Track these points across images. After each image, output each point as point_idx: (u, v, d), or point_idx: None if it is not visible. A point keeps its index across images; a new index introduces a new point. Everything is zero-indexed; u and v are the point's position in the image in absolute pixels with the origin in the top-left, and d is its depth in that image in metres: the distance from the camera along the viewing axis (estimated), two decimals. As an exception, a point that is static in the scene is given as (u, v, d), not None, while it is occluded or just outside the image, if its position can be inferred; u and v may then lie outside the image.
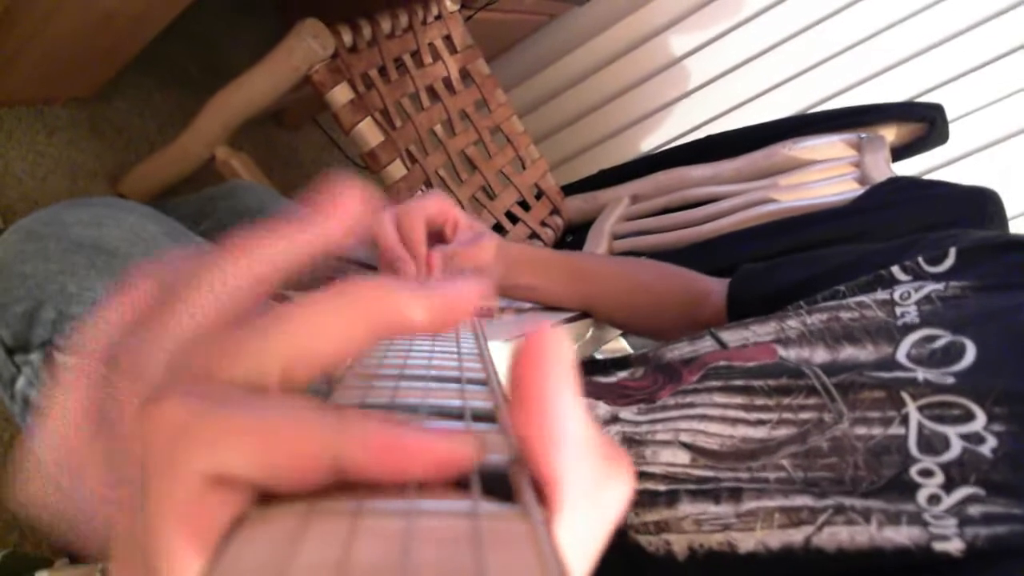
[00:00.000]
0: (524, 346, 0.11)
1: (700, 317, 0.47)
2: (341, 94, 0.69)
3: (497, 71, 0.95)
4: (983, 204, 0.58)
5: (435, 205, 0.42)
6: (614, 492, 0.12)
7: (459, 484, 0.11)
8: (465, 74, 0.90)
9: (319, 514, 0.10)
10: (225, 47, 1.09)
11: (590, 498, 0.11)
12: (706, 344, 0.40)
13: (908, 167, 1.05)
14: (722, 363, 0.36)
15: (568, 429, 0.11)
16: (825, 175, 0.82)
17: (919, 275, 0.34)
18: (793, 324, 0.36)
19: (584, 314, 0.49)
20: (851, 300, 0.35)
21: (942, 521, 0.25)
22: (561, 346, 0.11)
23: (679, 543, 0.30)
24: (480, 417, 0.14)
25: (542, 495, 0.11)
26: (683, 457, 0.32)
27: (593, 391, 0.39)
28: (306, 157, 1.22)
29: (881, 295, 0.34)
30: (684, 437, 0.33)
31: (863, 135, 0.84)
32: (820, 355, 0.33)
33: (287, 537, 0.09)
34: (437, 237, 0.43)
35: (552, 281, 0.47)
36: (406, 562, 0.08)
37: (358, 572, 0.08)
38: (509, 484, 0.11)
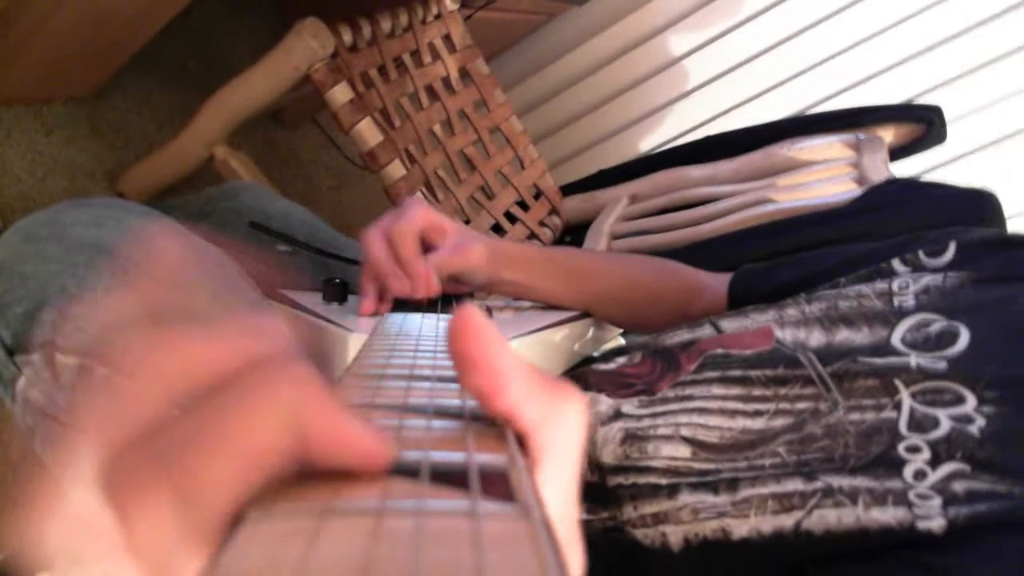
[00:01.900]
0: (453, 326, 0.13)
1: (693, 311, 0.47)
2: (341, 93, 0.69)
3: (496, 71, 0.95)
4: (981, 205, 0.59)
5: (422, 217, 0.42)
6: (571, 412, 0.14)
7: (459, 484, 0.11)
8: (464, 74, 0.90)
9: (324, 514, 0.10)
10: (224, 46, 1.09)
11: (552, 421, 0.13)
12: (705, 331, 0.40)
13: (906, 167, 1.05)
14: (719, 351, 0.36)
15: (509, 368, 0.13)
16: (823, 176, 0.82)
17: (918, 267, 0.35)
18: (792, 312, 0.37)
19: (585, 313, 0.49)
20: (850, 290, 0.35)
21: (927, 502, 0.26)
22: (482, 317, 0.13)
23: (675, 534, 0.31)
24: (479, 417, 0.15)
25: (521, 442, 0.13)
26: (684, 451, 0.33)
27: (595, 380, 0.40)
28: (305, 156, 1.22)
29: (880, 286, 0.35)
30: (684, 431, 0.33)
31: (861, 136, 0.84)
32: (816, 338, 0.34)
33: (295, 536, 0.09)
34: (427, 245, 0.43)
35: (540, 278, 0.47)
36: (415, 563, 0.08)
37: (369, 572, 0.08)
38: (509, 484, 0.11)
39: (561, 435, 0.14)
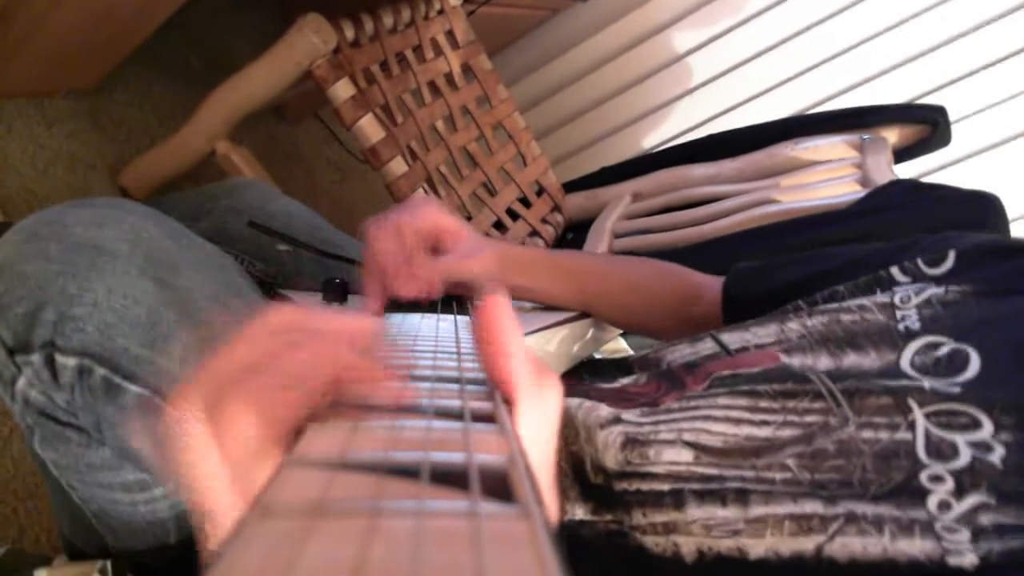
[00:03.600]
0: (483, 310, 0.18)
1: (693, 314, 0.47)
2: (343, 89, 0.69)
3: (499, 66, 0.95)
4: (985, 208, 0.59)
5: (434, 217, 0.41)
6: (549, 392, 0.18)
7: (459, 484, 0.11)
8: (467, 69, 0.90)
9: (324, 514, 0.10)
10: (226, 40, 1.08)
11: (534, 395, 0.18)
12: (707, 346, 0.39)
13: (910, 169, 1.04)
14: (727, 372, 0.36)
15: (513, 348, 0.17)
16: (827, 176, 0.82)
17: (918, 277, 0.34)
18: (794, 327, 0.36)
19: (584, 314, 0.49)
20: (851, 303, 0.35)
21: (955, 535, 0.25)
22: (505, 308, 0.18)
23: (688, 545, 0.30)
24: (480, 417, 0.15)
25: (506, 401, 0.17)
26: (686, 455, 0.32)
27: (596, 396, 0.39)
28: (307, 151, 1.21)
29: (881, 298, 0.34)
30: (687, 436, 0.33)
31: (865, 136, 0.84)
32: (824, 362, 0.33)
33: (295, 536, 0.09)
34: (436, 247, 0.43)
35: (543, 281, 0.47)
36: (415, 563, 0.08)
37: (369, 572, 0.08)
38: (509, 484, 0.11)
39: (541, 404, 0.18)
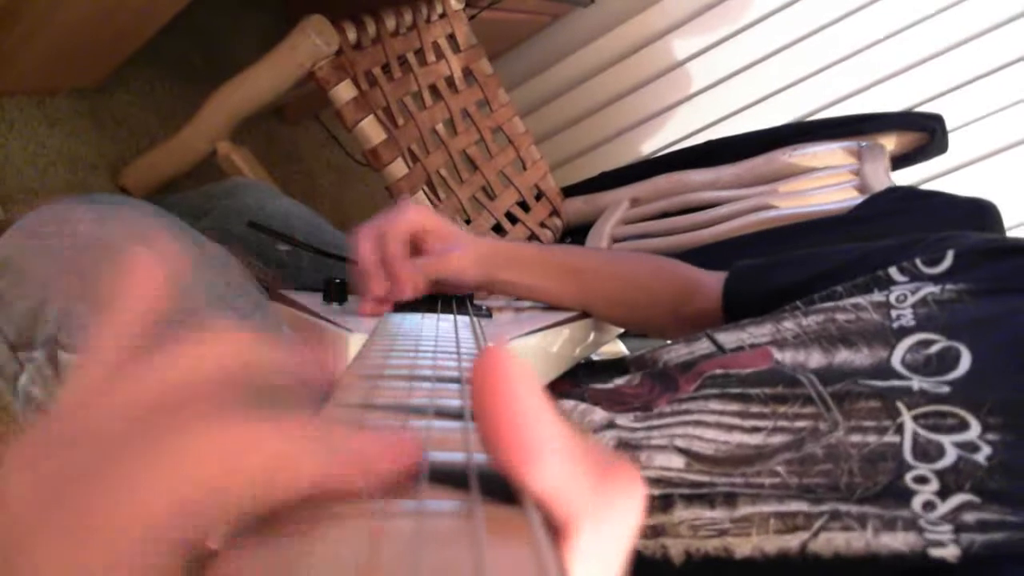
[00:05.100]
0: (476, 371, 0.10)
1: (688, 309, 0.47)
2: (344, 91, 0.69)
3: (500, 71, 0.95)
4: (981, 215, 0.59)
5: (414, 219, 0.42)
6: (623, 500, 0.11)
7: (459, 484, 0.11)
8: (468, 73, 0.90)
9: (327, 517, 0.10)
10: (229, 41, 1.09)
11: (599, 512, 0.10)
12: (702, 346, 0.40)
13: (907, 176, 1.05)
14: (719, 371, 0.36)
15: (547, 438, 0.10)
16: (824, 183, 0.82)
17: (916, 276, 0.34)
18: (789, 326, 0.36)
19: (584, 314, 0.49)
20: (847, 302, 0.35)
21: (938, 527, 0.25)
22: (519, 360, 0.10)
23: (675, 547, 0.30)
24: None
25: (552, 526, 0.10)
26: (678, 462, 0.32)
27: (591, 396, 0.40)
28: (307, 152, 1.22)
29: (877, 297, 0.34)
30: (679, 442, 0.33)
31: (863, 143, 0.84)
32: (815, 359, 0.34)
33: (294, 538, 0.09)
34: (415, 247, 0.43)
35: (536, 278, 0.47)
36: (414, 563, 0.08)
37: (368, 572, 0.08)
38: (509, 484, 0.11)
39: (609, 531, 0.10)
